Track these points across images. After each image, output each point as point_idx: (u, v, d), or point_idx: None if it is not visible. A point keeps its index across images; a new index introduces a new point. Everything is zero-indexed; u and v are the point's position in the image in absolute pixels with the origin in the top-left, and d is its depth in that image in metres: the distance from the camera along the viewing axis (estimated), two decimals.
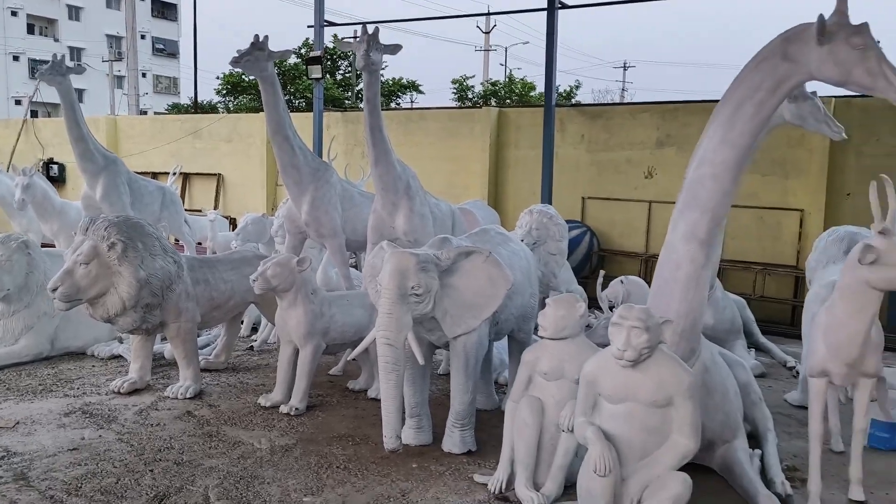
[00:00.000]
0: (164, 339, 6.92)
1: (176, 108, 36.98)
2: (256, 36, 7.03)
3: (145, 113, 37.03)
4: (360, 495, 4.35)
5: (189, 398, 5.99)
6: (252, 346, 7.75)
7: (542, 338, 4.49)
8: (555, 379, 4.40)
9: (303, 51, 27.10)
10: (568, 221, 11.34)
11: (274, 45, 7.12)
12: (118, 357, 7.08)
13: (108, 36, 58.19)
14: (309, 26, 13.11)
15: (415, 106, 31.09)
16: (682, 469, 3.84)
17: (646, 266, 10.88)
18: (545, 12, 11.03)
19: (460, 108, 14.65)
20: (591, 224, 11.61)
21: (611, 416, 3.89)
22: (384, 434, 4.69)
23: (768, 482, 4.61)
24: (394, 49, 6.75)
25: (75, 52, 56.73)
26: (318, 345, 5.85)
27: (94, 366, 6.90)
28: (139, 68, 32.84)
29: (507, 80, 34.53)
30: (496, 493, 4.43)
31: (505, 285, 4.94)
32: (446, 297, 4.87)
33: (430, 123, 13.16)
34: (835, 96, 9.89)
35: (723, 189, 4.42)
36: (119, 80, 48.27)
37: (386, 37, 6.59)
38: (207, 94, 48.28)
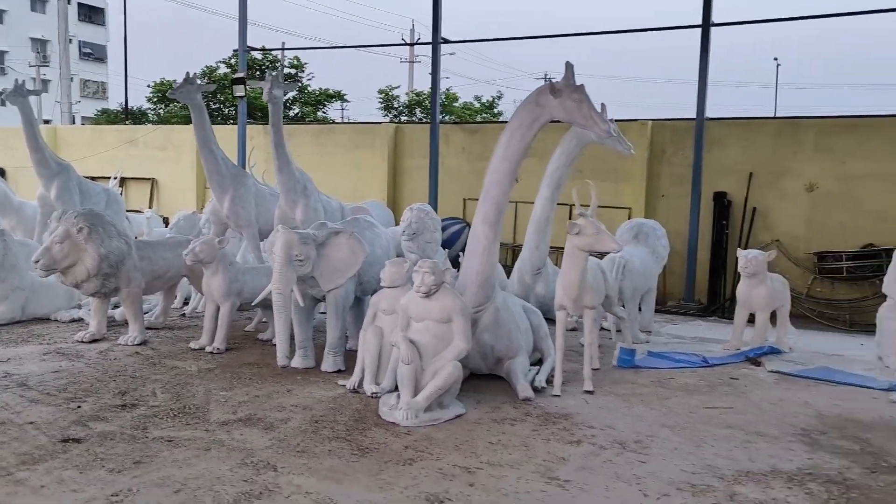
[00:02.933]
0: (115, 306, 8.95)
1: (105, 114, 37.87)
2: (188, 73, 9.16)
3: (73, 120, 37.86)
4: (259, 391, 6.54)
5: (136, 345, 8.04)
6: (184, 313, 9.82)
7: (384, 287, 6.78)
8: (390, 314, 6.67)
9: (233, 61, 28.79)
10: (451, 218, 13.84)
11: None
12: (77, 320, 9.05)
13: (33, 39, 58.24)
14: (234, 51, 15.16)
15: (342, 115, 33.22)
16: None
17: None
18: (429, 46, 13.44)
19: (363, 123, 16.91)
20: (471, 220, 13.95)
21: (416, 330, 6.18)
22: (277, 355, 6.92)
23: (533, 383, 6.98)
24: (291, 86, 8.99)
25: None
26: (233, 302, 8.01)
27: (58, 326, 8.86)
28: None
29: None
30: (350, 389, 6.65)
31: (362, 255, 7.22)
32: (321, 262, 7.12)
33: (338, 136, 15.43)
34: (651, 119, 12.58)
35: (503, 190, 6.79)
36: (44, 83, 48.69)
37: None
38: (137, 100, 49.15)
